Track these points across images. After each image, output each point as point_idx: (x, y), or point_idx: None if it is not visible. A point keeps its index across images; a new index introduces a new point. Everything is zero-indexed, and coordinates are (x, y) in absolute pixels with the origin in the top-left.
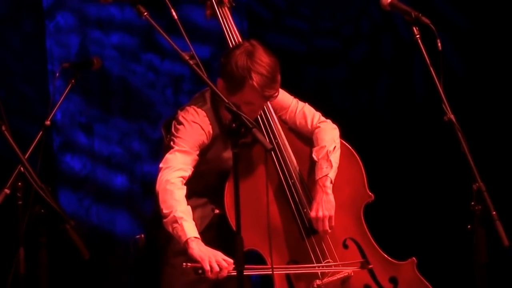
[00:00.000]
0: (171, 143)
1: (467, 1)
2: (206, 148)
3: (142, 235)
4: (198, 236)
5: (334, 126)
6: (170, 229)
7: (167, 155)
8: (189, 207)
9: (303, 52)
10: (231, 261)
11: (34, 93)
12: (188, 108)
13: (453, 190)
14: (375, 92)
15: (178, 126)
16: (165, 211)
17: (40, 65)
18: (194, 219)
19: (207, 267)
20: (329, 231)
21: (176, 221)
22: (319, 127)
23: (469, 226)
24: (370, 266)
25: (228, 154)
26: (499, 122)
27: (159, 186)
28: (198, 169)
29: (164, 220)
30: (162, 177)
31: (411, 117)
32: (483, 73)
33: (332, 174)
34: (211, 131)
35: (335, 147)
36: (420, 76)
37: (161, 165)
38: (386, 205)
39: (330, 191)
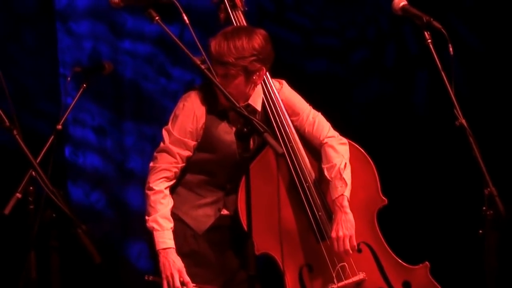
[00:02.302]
0: (162, 133)
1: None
2: (204, 133)
3: (151, 277)
4: (167, 247)
5: (343, 140)
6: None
7: (155, 153)
8: (166, 211)
9: (301, 47)
10: (188, 280)
11: (45, 97)
12: (186, 94)
13: (465, 194)
14: (371, 93)
15: (174, 117)
16: (145, 216)
17: (52, 69)
18: (197, 217)
19: (165, 283)
20: (351, 252)
21: (151, 230)
22: (326, 143)
23: (480, 231)
24: None
25: (228, 137)
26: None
27: (145, 189)
28: (201, 158)
29: (144, 224)
30: (148, 178)
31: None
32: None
33: (347, 192)
34: (205, 115)
35: (345, 163)
36: (422, 88)
37: (150, 163)
38: (399, 209)
39: (348, 210)
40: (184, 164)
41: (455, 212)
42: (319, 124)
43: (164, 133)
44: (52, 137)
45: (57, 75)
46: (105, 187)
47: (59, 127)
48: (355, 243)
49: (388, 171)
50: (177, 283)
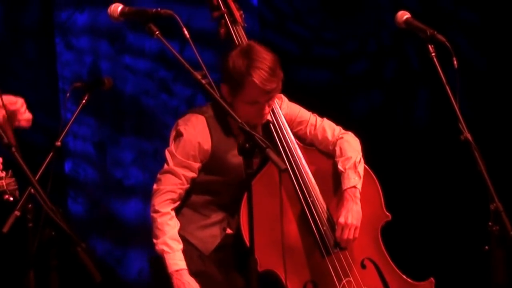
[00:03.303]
0: (165, 156)
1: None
2: (211, 158)
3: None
4: (179, 268)
5: (356, 138)
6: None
7: (159, 175)
8: (174, 232)
9: (300, 57)
10: None
11: (44, 111)
12: (187, 116)
13: (471, 209)
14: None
15: (175, 139)
16: (153, 240)
17: (51, 84)
18: (203, 238)
19: None
20: (352, 241)
21: (162, 253)
22: (341, 137)
23: (486, 247)
24: None
25: (237, 159)
26: None
27: (150, 212)
28: (208, 180)
29: (154, 248)
30: (152, 201)
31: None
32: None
33: (359, 186)
34: (210, 141)
35: (360, 159)
36: (422, 103)
37: (154, 186)
38: (403, 224)
39: (359, 202)
40: (189, 186)
41: (461, 228)
42: (329, 127)
43: (167, 155)
44: (51, 153)
45: (56, 90)
46: (106, 204)
47: (58, 143)
48: (357, 235)
49: (390, 186)
50: None
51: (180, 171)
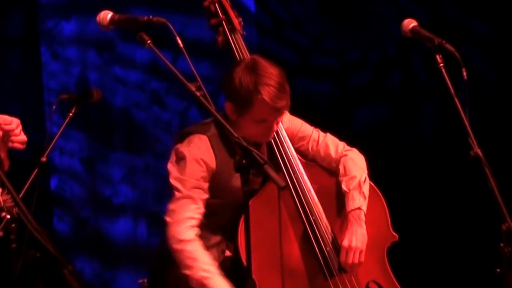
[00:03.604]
0: (173, 185)
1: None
2: (213, 179)
3: (145, 280)
4: None
5: (361, 155)
6: None
7: (171, 206)
8: (207, 257)
9: (299, 66)
10: None
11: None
12: (190, 138)
13: (481, 230)
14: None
15: (179, 163)
16: (186, 272)
17: (36, 96)
18: None
19: None
20: (356, 265)
21: (202, 280)
22: (346, 155)
23: (498, 270)
24: None
25: (239, 181)
26: None
27: (172, 244)
28: (210, 203)
29: (189, 280)
30: (172, 233)
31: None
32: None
33: (364, 207)
34: (214, 161)
35: (366, 178)
36: (429, 119)
37: (167, 218)
38: (411, 245)
39: (364, 225)
40: (204, 210)
41: (470, 249)
42: (332, 143)
43: (175, 183)
44: (36, 170)
45: (42, 102)
46: (93, 223)
47: (44, 159)
48: (363, 259)
49: (396, 204)
50: None
51: (195, 194)
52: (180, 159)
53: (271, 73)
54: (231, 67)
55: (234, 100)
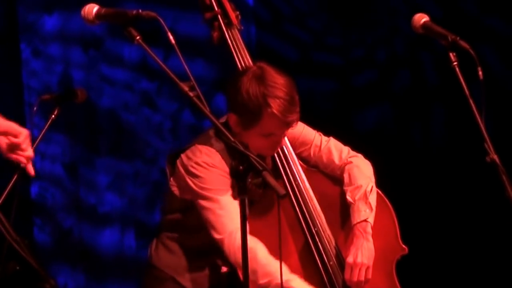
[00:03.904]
0: (202, 201)
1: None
2: None
3: None
4: None
5: (367, 161)
6: None
7: (212, 223)
8: (277, 263)
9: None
10: None
11: None
12: (197, 148)
13: (497, 240)
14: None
15: (198, 177)
16: (261, 281)
17: (15, 96)
18: (195, 278)
19: None
20: (363, 283)
21: (288, 282)
22: (350, 162)
23: None
24: None
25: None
26: None
27: (237, 260)
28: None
29: None
30: (232, 247)
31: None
32: None
33: (371, 219)
34: (229, 173)
35: (372, 187)
36: (439, 122)
37: (218, 236)
38: (421, 258)
39: (371, 238)
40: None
41: (486, 261)
42: (335, 149)
43: (202, 202)
44: (16, 176)
45: (21, 102)
46: (77, 234)
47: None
48: (370, 276)
49: (405, 214)
50: None
51: (228, 197)
52: (197, 175)
53: (281, 84)
54: (236, 76)
55: (240, 113)
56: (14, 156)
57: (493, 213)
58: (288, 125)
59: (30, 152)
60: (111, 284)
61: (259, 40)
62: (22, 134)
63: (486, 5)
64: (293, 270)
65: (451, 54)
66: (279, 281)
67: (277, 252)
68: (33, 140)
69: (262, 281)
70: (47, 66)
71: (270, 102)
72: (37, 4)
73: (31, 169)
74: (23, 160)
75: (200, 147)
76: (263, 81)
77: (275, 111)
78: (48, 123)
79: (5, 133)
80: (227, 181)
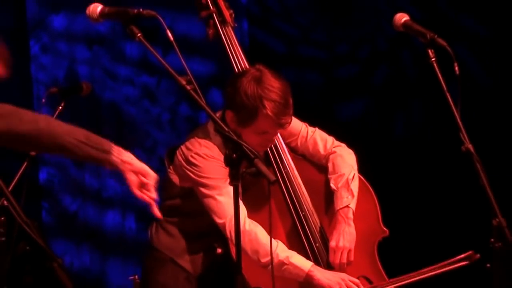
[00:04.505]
0: (202, 189)
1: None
2: None
3: (136, 276)
4: (312, 263)
5: (350, 150)
6: (280, 274)
7: (214, 207)
8: (279, 242)
9: (285, 56)
10: (357, 281)
11: None
12: (196, 140)
13: (471, 225)
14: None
15: (197, 167)
16: (263, 260)
17: (24, 89)
18: (193, 259)
19: None
20: (345, 265)
21: (282, 264)
22: (334, 152)
23: (488, 265)
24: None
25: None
26: None
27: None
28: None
29: (268, 268)
30: (233, 230)
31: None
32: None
33: (353, 205)
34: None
35: (354, 174)
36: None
37: (220, 220)
38: (401, 240)
39: (352, 223)
40: None
41: (461, 244)
42: (321, 139)
43: (202, 190)
44: (26, 163)
45: (30, 95)
46: (82, 217)
47: (33, 153)
48: (352, 258)
49: (386, 199)
50: (351, 285)
51: (227, 185)
52: (191, 162)
53: (277, 88)
54: (236, 76)
55: (237, 111)
56: (140, 193)
57: (467, 197)
58: (281, 126)
59: (154, 194)
60: (113, 262)
61: (251, 34)
62: (152, 177)
63: (461, 7)
64: None
65: (429, 50)
66: (280, 258)
67: (268, 234)
68: None
69: (264, 259)
70: (54, 61)
71: (265, 104)
72: (45, 4)
73: (156, 211)
74: (148, 199)
75: (199, 139)
76: (261, 84)
77: (269, 112)
78: (55, 114)
79: (138, 173)
80: (224, 171)
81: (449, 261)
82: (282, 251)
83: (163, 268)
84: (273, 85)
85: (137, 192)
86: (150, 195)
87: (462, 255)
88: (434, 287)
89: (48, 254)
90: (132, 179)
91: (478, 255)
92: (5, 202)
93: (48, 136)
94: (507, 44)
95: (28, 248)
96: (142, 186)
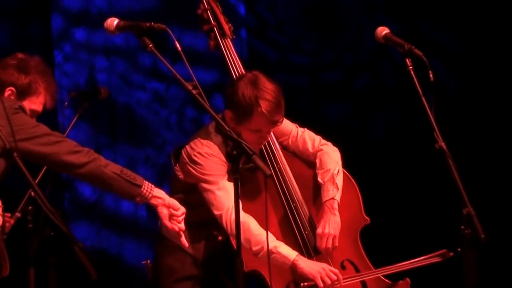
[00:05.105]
0: (203, 184)
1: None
2: None
3: (148, 261)
4: (297, 253)
5: (335, 148)
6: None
7: (212, 200)
8: (269, 233)
9: (277, 62)
10: (336, 270)
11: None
12: (199, 141)
13: (444, 214)
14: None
15: (195, 164)
16: (254, 248)
17: None
18: (197, 246)
19: (321, 284)
20: (330, 249)
21: (271, 252)
22: (321, 149)
23: (459, 249)
24: (451, 254)
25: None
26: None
27: (232, 230)
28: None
29: (258, 256)
30: (228, 221)
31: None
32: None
33: (338, 197)
34: (226, 163)
35: (339, 170)
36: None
37: (217, 212)
38: (381, 228)
39: (337, 213)
40: None
41: (435, 231)
42: (309, 138)
43: (202, 185)
44: None
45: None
46: (100, 206)
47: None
48: (336, 244)
49: (368, 192)
50: (331, 275)
51: (225, 181)
52: (193, 161)
53: (271, 89)
54: (234, 80)
55: (235, 110)
56: (171, 225)
57: (440, 190)
58: (274, 124)
59: (182, 225)
60: (128, 246)
61: (249, 43)
62: (181, 210)
63: (437, 23)
64: (276, 238)
65: (407, 60)
66: (269, 248)
67: (264, 223)
68: (64, 129)
69: (255, 248)
70: (76, 69)
71: (260, 103)
72: (68, 18)
73: (184, 241)
74: (177, 229)
75: (201, 140)
76: (256, 86)
77: (264, 110)
78: (77, 115)
79: (169, 206)
80: (224, 168)
81: (425, 256)
82: (271, 241)
83: (172, 254)
84: (267, 87)
85: (167, 223)
86: (180, 226)
87: (437, 252)
88: (408, 270)
89: (70, 238)
90: (164, 212)
91: (452, 253)
92: (32, 193)
93: (89, 168)
94: (473, 56)
95: (52, 234)
96: (171, 217)
